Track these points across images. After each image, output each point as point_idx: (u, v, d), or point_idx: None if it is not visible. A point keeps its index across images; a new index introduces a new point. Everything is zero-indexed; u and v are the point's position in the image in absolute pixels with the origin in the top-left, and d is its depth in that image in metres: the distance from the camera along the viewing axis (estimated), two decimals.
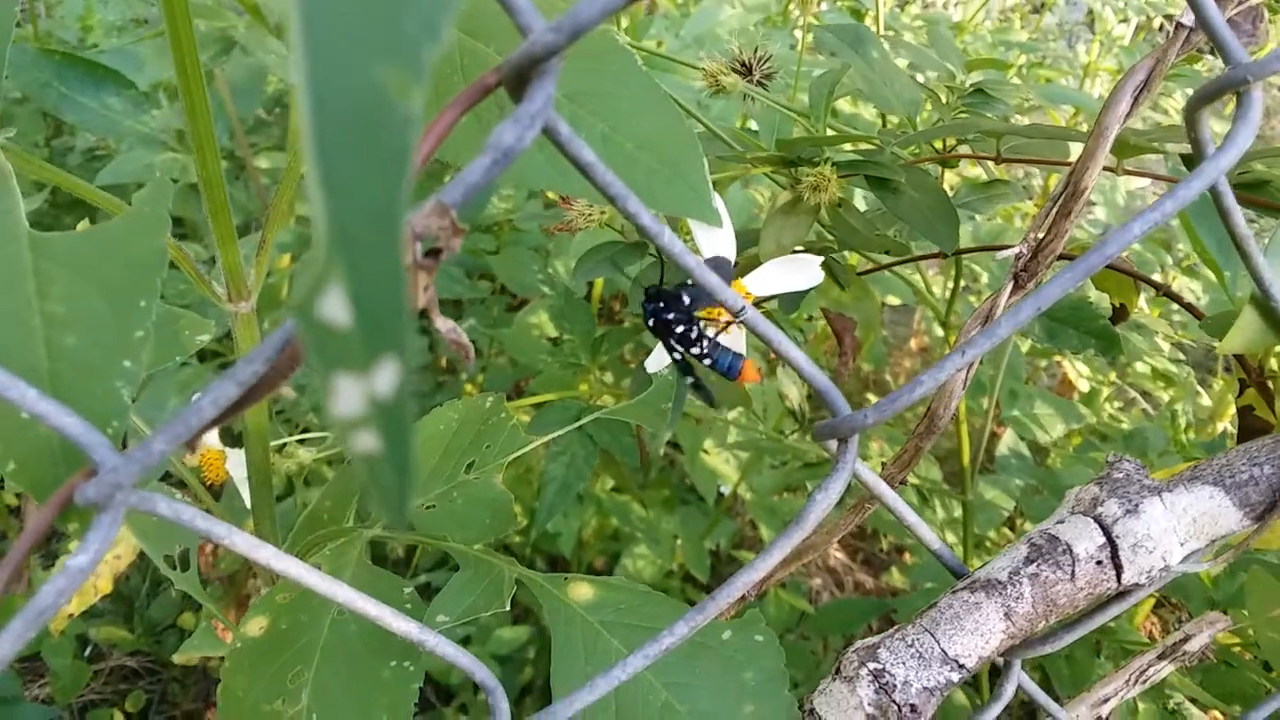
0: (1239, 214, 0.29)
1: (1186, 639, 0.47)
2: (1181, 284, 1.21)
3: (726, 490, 1.29)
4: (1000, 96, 0.68)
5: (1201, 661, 0.49)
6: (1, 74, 0.28)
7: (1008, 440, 1.08)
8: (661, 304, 0.35)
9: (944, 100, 0.67)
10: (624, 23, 1.32)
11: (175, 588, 0.47)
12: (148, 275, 0.24)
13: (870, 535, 1.66)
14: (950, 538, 1.09)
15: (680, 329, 0.36)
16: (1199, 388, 1.23)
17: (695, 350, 0.36)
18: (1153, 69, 0.30)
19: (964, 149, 0.61)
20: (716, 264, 0.35)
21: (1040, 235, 0.33)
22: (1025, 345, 1.24)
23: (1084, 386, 1.34)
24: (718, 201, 0.32)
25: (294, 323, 0.10)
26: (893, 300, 1.25)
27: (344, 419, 0.10)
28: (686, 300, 0.35)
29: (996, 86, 0.69)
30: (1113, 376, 1.36)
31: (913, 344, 1.77)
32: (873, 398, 1.71)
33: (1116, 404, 1.42)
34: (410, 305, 0.20)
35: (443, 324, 0.21)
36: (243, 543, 0.24)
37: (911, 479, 1.00)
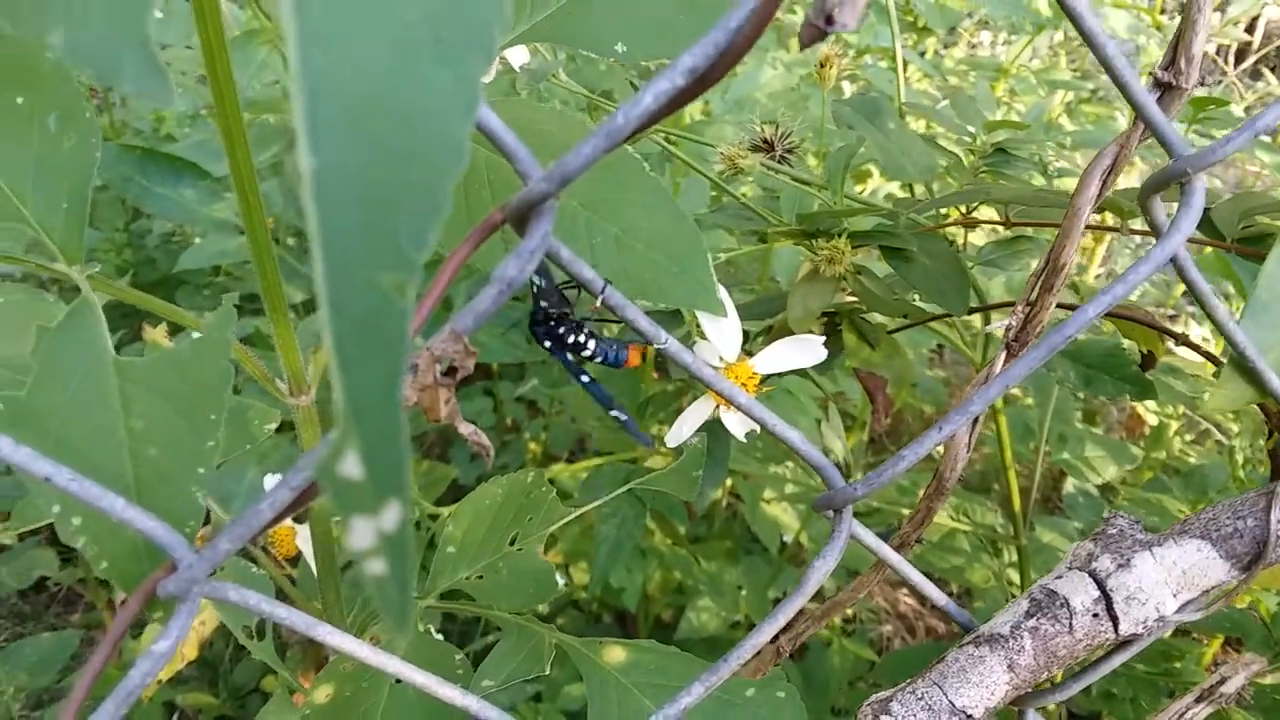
0: (1203, 283, 0.31)
1: (1223, 681, 0.48)
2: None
3: (789, 539, 1.30)
4: (1021, 154, 0.71)
5: (1239, 703, 0.50)
6: (87, 217, 0.32)
7: (1075, 480, 1.08)
8: (551, 324, 0.36)
9: (965, 162, 0.70)
10: None
11: (254, 658, 0.51)
12: (215, 393, 0.28)
13: (939, 580, 1.65)
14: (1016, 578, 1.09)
15: (571, 339, 0.37)
16: None
17: (587, 353, 0.37)
18: (1117, 154, 0.33)
19: (986, 209, 0.63)
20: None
21: (1027, 308, 0.35)
22: None
23: (1152, 420, 1.34)
24: (722, 292, 0.35)
25: (319, 478, 0.14)
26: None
27: (359, 550, 0.13)
28: (566, 307, 0.36)
29: (1017, 145, 0.72)
30: (1182, 410, 1.35)
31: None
32: None
33: (1188, 437, 1.41)
34: (435, 417, 0.23)
35: (464, 428, 0.25)
36: (301, 622, 0.27)
37: (964, 526, 1.01)
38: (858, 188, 1.51)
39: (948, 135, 0.83)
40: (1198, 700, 0.47)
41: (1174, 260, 0.30)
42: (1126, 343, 0.75)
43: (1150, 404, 1.31)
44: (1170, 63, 0.32)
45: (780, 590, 1.36)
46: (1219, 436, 1.40)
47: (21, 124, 0.33)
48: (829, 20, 0.20)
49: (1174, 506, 0.93)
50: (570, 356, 0.37)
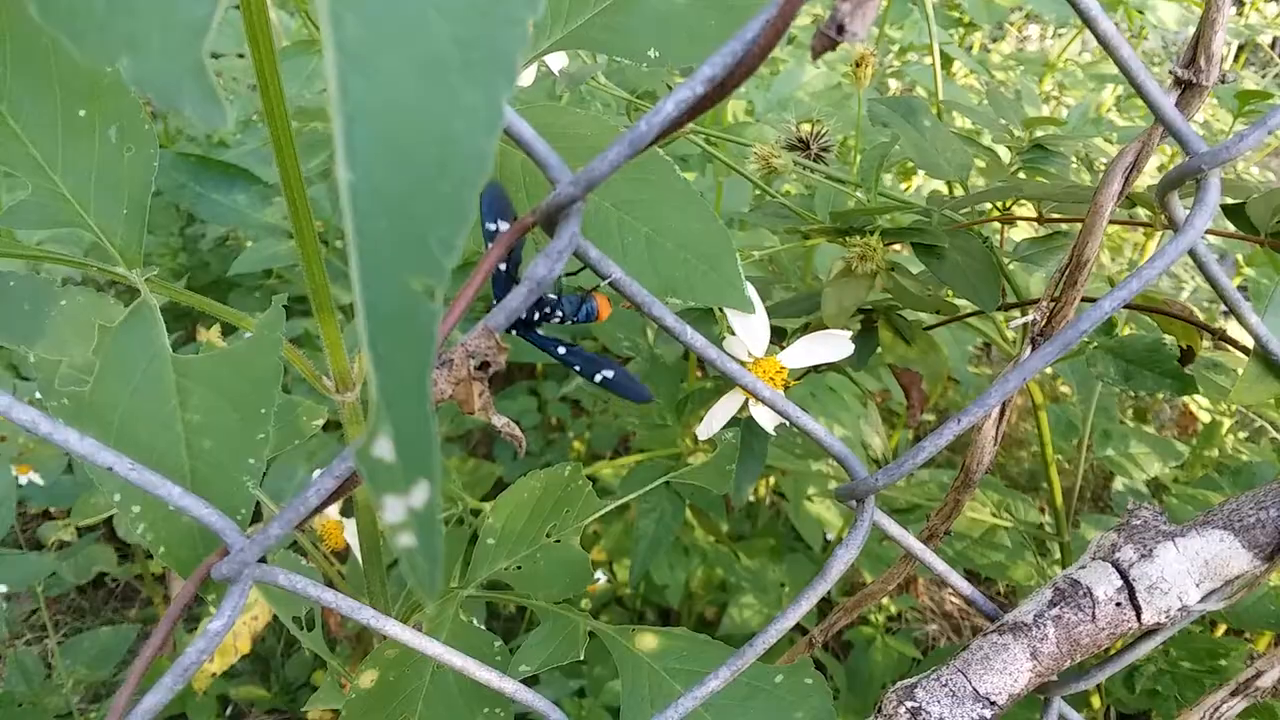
0: (1223, 277, 0.31)
1: (1259, 675, 0.48)
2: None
3: (831, 537, 1.31)
4: (1059, 150, 0.71)
5: (1276, 695, 0.50)
6: (144, 225, 0.34)
7: (1123, 478, 1.07)
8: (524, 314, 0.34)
9: (1003, 159, 0.70)
10: None
11: (306, 652, 0.53)
12: (267, 388, 0.30)
13: (986, 579, 1.65)
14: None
15: (537, 315, 0.34)
16: None
17: (557, 318, 0.35)
18: (1139, 152, 0.33)
19: (1022, 206, 0.63)
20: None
21: (1052, 303, 0.36)
22: None
23: (1205, 417, 1.32)
24: (750, 289, 0.36)
25: (355, 461, 0.15)
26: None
27: (392, 525, 0.15)
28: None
29: (1055, 142, 0.72)
30: (1235, 406, 1.33)
31: None
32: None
33: (1242, 434, 1.39)
34: (470, 409, 0.25)
35: (497, 420, 0.26)
36: (346, 606, 0.28)
37: (1005, 523, 1.01)
38: (902, 185, 1.51)
39: (987, 132, 0.83)
40: (1233, 694, 0.47)
41: (1193, 254, 0.31)
42: (1167, 338, 0.75)
43: (1203, 401, 1.29)
44: (1190, 60, 0.33)
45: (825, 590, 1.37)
46: (1275, 434, 1.38)
47: (84, 135, 0.35)
48: (840, 30, 0.21)
49: None
50: (540, 333, 0.34)
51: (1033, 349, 0.36)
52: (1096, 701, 1.00)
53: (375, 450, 0.15)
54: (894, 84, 1.86)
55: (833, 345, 0.42)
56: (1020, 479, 1.71)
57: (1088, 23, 0.27)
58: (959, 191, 0.71)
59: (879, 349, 0.66)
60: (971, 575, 1.59)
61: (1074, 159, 0.69)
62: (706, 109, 0.24)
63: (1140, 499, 1.08)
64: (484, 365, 0.24)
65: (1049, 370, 1.38)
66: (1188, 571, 0.33)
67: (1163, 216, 0.50)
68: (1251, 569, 0.33)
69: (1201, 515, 0.34)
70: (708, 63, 0.23)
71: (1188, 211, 0.29)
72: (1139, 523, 0.35)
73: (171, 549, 0.29)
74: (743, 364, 0.38)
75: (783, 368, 0.40)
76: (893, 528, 0.33)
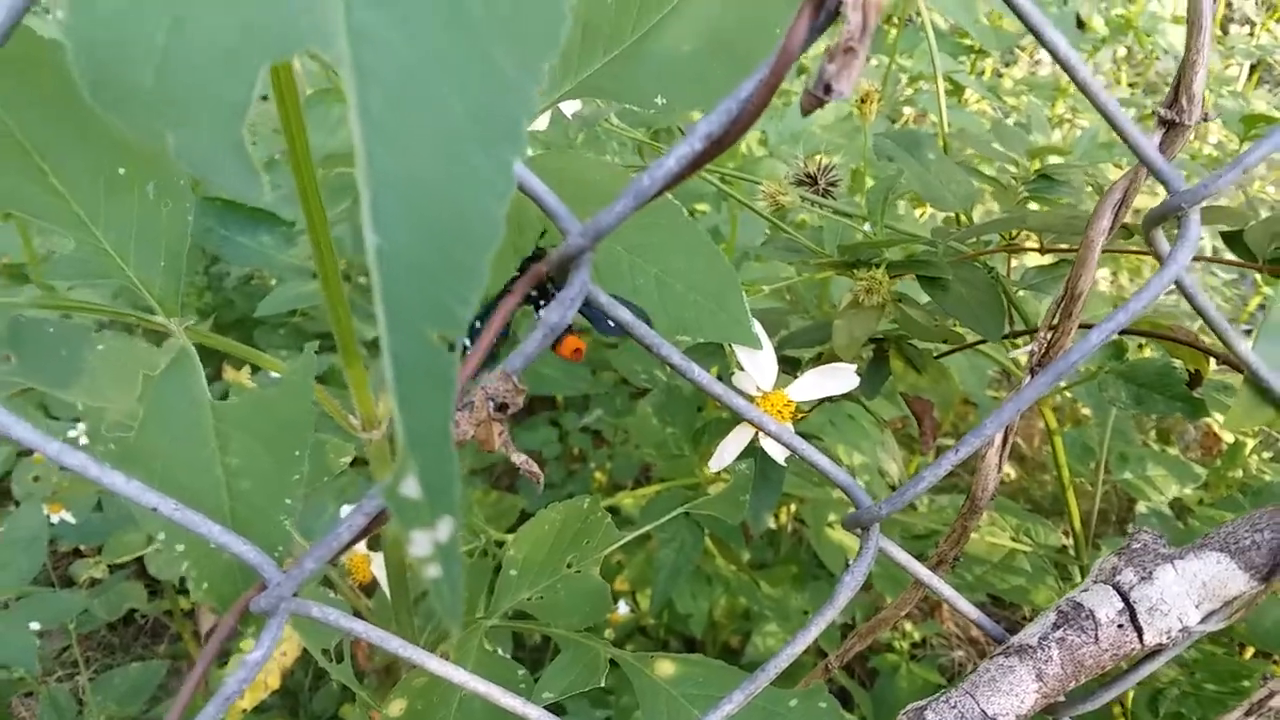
0: (1210, 307, 0.33)
1: (1271, 695, 0.48)
2: None
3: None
4: (1064, 179, 0.72)
5: None
6: (181, 275, 0.36)
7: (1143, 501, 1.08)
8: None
9: (1007, 189, 0.71)
10: None
11: (334, 680, 0.54)
12: (300, 432, 0.31)
13: (1011, 604, 1.64)
14: None
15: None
16: None
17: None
18: (1127, 188, 0.35)
19: (1027, 236, 0.65)
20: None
21: (1050, 333, 0.37)
22: None
23: (1229, 438, 1.32)
24: (757, 327, 0.38)
25: (384, 499, 0.17)
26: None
27: (419, 558, 0.16)
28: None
29: (1060, 170, 0.73)
30: (1259, 427, 1.33)
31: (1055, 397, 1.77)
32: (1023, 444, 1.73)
33: (1266, 455, 1.39)
34: (490, 448, 0.26)
35: (516, 457, 0.28)
36: (376, 636, 0.30)
37: (1024, 547, 1.01)
38: (916, 212, 1.52)
39: (992, 162, 0.85)
40: (1246, 714, 0.48)
41: (1179, 286, 0.32)
42: (1176, 362, 0.76)
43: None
44: (1173, 101, 0.34)
45: (849, 616, 1.37)
46: None
47: (124, 192, 0.37)
48: (827, 89, 0.23)
49: None
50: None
51: (1032, 379, 0.38)
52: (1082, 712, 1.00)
53: (403, 489, 0.16)
54: (908, 110, 1.88)
55: (839, 378, 0.44)
56: (1044, 502, 1.71)
57: (1068, 70, 0.28)
58: (965, 221, 0.73)
59: (891, 377, 0.68)
60: (995, 600, 1.59)
61: (1088, 186, 0.70)
62: (706, 163, 0.26)
63: (1163, 521, 1.09)
64: (503, 407, 0.26)
65: (1068, 394, 1.38)
66: (1186, 593, 0.34)
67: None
68: (1249, 590, 0.34)
69: (1200, 539, 0.35)
70: (705, 120, 0.25)
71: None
72: (1139, 546, 0.36)
73: (213, 584, 0.31)
74: (751, 398, 0.40)
75: (790, 401, 0.42)
76: (899, 554, 0.34)
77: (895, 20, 1.33)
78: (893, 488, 0.86)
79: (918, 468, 1.24)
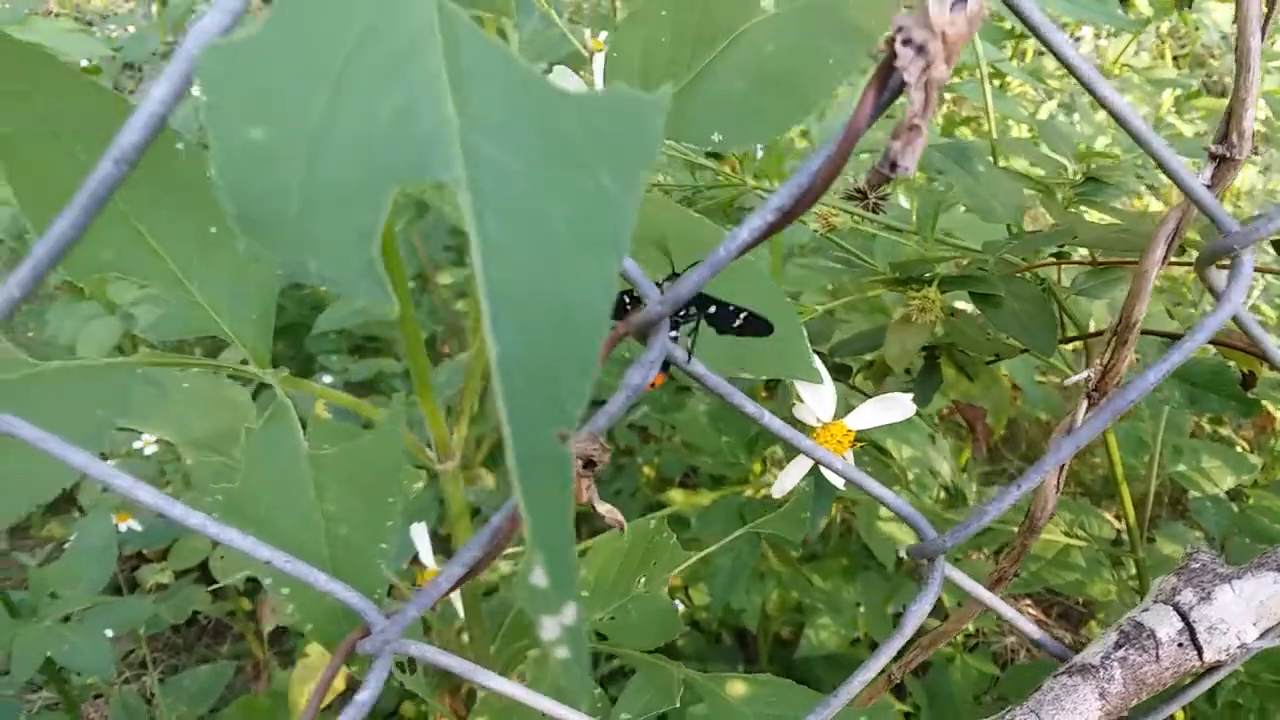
0: (1265, 337, 0.34)
1: None
2: None
3: (903, 551, 1.31)
4: (1112, 181, 0.73)
5: None
6: (271, 327, 0.38)
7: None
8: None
9: (1054, 192, 0.72)
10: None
11: (394, 680, 0.56)
12: (393, 479, 0.33)
13: (1059, 596, 1.64)
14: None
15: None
16: None
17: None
18: (1179, 220, 0.36)
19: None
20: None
21: (1104, 361, 0.38)
22: None
23: None
24: (816, 361, 0.39)
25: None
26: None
27: (547, 640, 0.18)
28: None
29: (1109, 172, 0.74)
30: None
31: None
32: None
33: None
34: (579, 500, 0.28)
35: (602, 507, 0.29)
36: (466, 669, 0.32)
37: (1079, 542, 1.02)
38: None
39: (1043, 164, 0.85)
40: None
41: (1236, 320, 0.33)
42: (1230, 361, 0.76)
43: None
44: (1224, 136, 0.35)
45: (899, 605, 1.38)
46: None
47: (216, 250, 0.39)
48: (894, 166, 0.25)
49: None
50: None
51: (1088, 404, 0.39)
52: (1179, 716, 1.01)
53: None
54: (946, 96, 1.87)
55: (897, 408, 0.45)
56: (1095, 485, 1.70)
57: (1110, 109, 0.29)
58: (1016, 230, 0.73)
59: (942, 384, 0.69)
60: (1051, 592, 1.59)
61: (1142, 186, 0.70)
62: (776, 232, 0.27)
63: (1219, 505, 1.08)
64: (590, 463, 0.28)
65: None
66: (1244, 612, 0.35)
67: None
68: None
69: (1256, 559, 0.36)
70: (777, 194, 0.26)
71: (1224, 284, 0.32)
72: (1197, 566, 0.37)
73: (318, 626, 0.33)
74: (811, 429, 0.41)
75: (849, 430, 0.43)
76: (964, 581, 0.36)
77: None
78: (945, 489, 0.87)
79: (966, 460, 1.25)
